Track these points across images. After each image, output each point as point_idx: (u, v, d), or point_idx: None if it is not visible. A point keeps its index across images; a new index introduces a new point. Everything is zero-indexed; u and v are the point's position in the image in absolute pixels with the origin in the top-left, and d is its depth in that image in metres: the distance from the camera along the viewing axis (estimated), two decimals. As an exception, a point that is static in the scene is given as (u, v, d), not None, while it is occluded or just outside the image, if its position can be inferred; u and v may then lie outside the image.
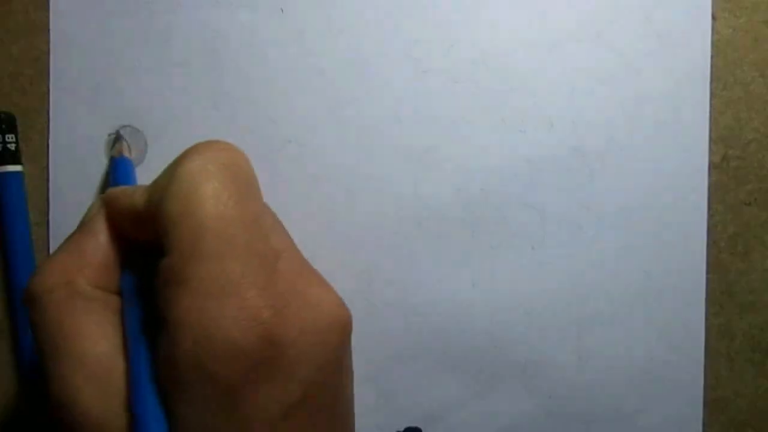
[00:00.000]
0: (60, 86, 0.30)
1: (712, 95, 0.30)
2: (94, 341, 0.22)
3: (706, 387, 0.30)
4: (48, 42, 0.30)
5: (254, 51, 0.30)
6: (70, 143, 0.30)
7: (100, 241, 0.24)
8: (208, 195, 0.21)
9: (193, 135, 0.30)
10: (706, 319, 0.30)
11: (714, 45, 0.30)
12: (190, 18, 0.30)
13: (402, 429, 0.29)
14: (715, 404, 0.30)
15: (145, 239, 0.24)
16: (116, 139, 0.30)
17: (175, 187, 0.21)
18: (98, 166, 0.30)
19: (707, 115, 0.30)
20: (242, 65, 0.30)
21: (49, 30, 0.30)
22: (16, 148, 0.30)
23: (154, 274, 0.22)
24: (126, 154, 0.29)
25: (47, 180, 0.30)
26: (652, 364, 0.30)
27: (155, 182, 0.23)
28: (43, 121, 0.30)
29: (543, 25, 0.30)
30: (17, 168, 0.30)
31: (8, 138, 0.30)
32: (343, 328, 0.23)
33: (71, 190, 0.30)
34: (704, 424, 0.30)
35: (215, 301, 0.20)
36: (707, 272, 0.30)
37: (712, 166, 0.30)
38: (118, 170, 0.29)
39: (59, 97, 0.30)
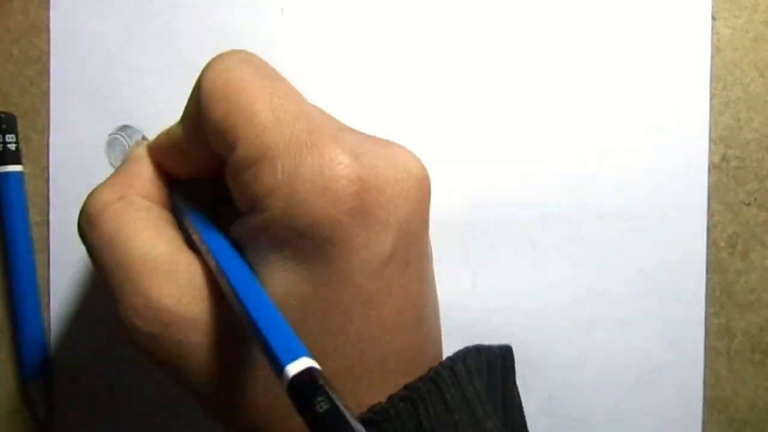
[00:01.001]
0: (60, 86, 0.30)
1: (712, 95, 0.30)
2: (152, 243, 0.22)
3: (706, 387, 0.30)
4: (48, 42, 0.30)
5: (254, 51, 0.30)
6: (70, 143, 0.30)
7: (144, 164, 0.25)
8: (244, 83, 0.21)
9: (193, 135, 0.30)
10: (706, 319, 0.30)
11: (714, 45, 0.30)
12: (190, 18, 0.30)
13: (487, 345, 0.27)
14: (715, 404, 0.30)
15: (189, 168, 0.24)
16: (125, 138, 0.30)
17: (210, 97, 0.21)
18: (98, 166, 0.30)
19: (707, 115, 0.30)
20: (242, 65, 0.30)
21: (49, 30, 0.30)
22: (16, 148, 0.30)
23: (215, 189, 0.22)
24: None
25: (47, 180, 0.30)
26: (652, 364, 0.30)
27: (185, 109, 0.24)
28: (43, 121, 0.30)
29: (542, 25, 0.30)
30: (17, 168, 0.30)
31: (8, 138, 0.30)
32: (422, 183, 0.22)
33: (71, 190, 0.30)
34: (704, 424, 0.30)
35: (296, 158, 0.20)
36: (707, 272, 0.30)
37: (712, 166, 0.30)
38: None
39: (59, 97, 0.30)
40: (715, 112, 0.30)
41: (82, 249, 0.30)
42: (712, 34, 0.30)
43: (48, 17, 0.30)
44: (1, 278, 0.30)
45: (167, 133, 0.25)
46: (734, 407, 0.31)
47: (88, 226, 0.23)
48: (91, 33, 0.30)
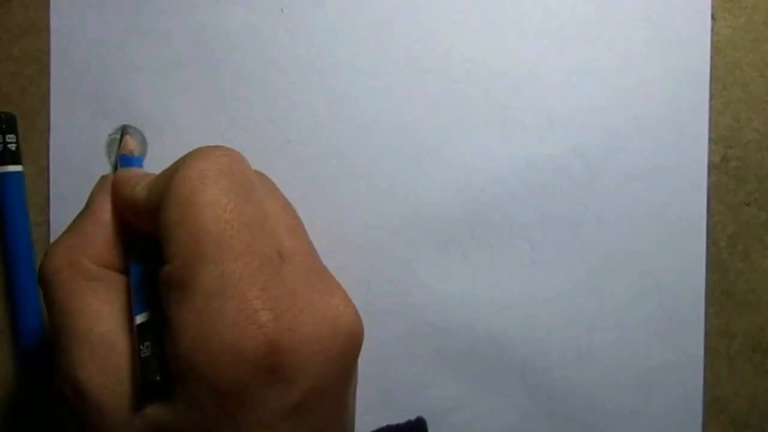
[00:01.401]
0: (60, 86, 0.30)
1: (712, 95, 0.30)
2: (97, 320, 0.23)
3: (706, 387, 0.30)
4: (48, 42, 0.30)
5: (254, 51, 0.30)
6: (70, 143, 0.30)
7: (103, 221, 0.25)
8: (207, 201, 0.21)
9: (193, 135, 0.30)
10: (706, 319, 0.30)
11: (714, 45, 0.30)
12: (190, 18, 0.30)
13: (403, 422, 0.28)
14: (715, 404, 0.30)
15: (145, 230, 0.24)
16: (122, 135, 0.30)
17: (174, 195, 0.21)
18: (98, 166, 0.30)
19: (707, 115, 0.30)
20: (242, 65, 0.30)
21: (49, 30, 0.30)
22: (17, 148, 0.30)
23: (156, 274, 0.22)
24: (133, 150, 0.29)
25: (47, 180, 0.30)
26: (652, 364, 0.30)
27: (156, 180, 0.24)
28: (43, 121, 0.30)
29: (543, 25, 0.30)
30: (17, 168, 0.30)
31: (8, 138, 0.30)
32: (350, 339, 0.22)
33: (71, 190, 0.30)
34: (704, 424, 0.30)
35: (214, 303, 0.20)
36: (707, 272, 0.30)
37: (712, 166, 0.30)
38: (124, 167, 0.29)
39: (59, 97, 0.30)
40: (715, 112, 0.30)
41: (82, 249, 0.30)
42: (712, 34, 0.30)
43: (48, 17, 0.30)
44: (1, 278, 0.30)
45: (131, 190, 0.24)
46: (734, 407, 0.31)
47: (42, 285, 0.24)
48: (91, 33, 0.30)
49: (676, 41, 0.30)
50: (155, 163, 0.30)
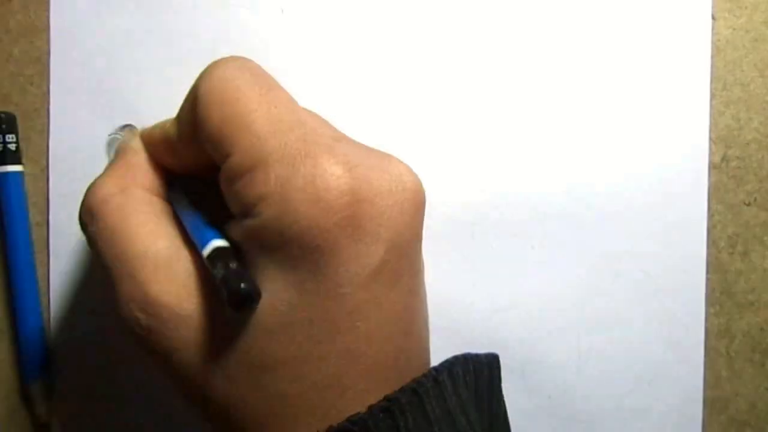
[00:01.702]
0: (60, 86, 0.30)
1: (712, 95, 0.30)
2: (153, 239, 0.23)
3: (706, 387, 0.30)
4: (48, 42, 0.30)
5: (254, 51, 0.30)
6: (70, 143, 0.30)
7: (141, 154, 0.25)
8: (241, 91, 0.21)
9: (193, 135, 0.30)
10: (706, 319, 0.30)
11: (714, 45, 0.30)
12: (190, 18, 0.30)
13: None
14: (714, 404, 0.30)
15: (182, 166, 0.25)
16: (124, 129, 0.30)
17: (207, 102, 0.22)
18: (98, 166, 0.30)
19: (707, 115, 0.30)
20: (242, 65, 0.30)
21: (49, 30, 0.30)
22: (16, 148, 0.30)
23: (212, 182, 0.22)
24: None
25: (47, 180, 0.30)
26: (652, 364, 0.30)
27: (181, 109, 0.24)
28: (43, 121, 0.30)
29: (543, 25, 0.30)
30: (17, 168, 0.30)
31: (8, 138, 0.30)
32: (417, 196, 0.22)
33: (71, 190, 0.30)
34: (704, 424, 0.30)
35: (289, 167, 0.20)
36: (707, 272, 0.30)
37: (712, 166, 0.30)
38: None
39: (59, 97, 0.30)
40: (715, 112, 0.30)
41: (82, 249, 0.30)
42: (713, 34, 0.30)
43: (48, 17, 0.30)
44: (1, 278, 0.30)
45: (162, 130, 0.25)
46: (734, 407, 0.31)
47: (89, 218, 0.24)
48: (91, 33, 0.30)
49: (676, 41, 0.30)
50: (155, 163, 0.30)
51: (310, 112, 0.24)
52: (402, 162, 0.23)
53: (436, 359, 0.30)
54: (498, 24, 0.30)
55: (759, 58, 0.30)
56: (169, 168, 0.25)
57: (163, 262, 0.22)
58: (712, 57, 0.30)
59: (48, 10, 0.30)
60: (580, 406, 0.30)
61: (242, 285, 0.20)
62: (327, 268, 0.20)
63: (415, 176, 0.23)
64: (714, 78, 0.30)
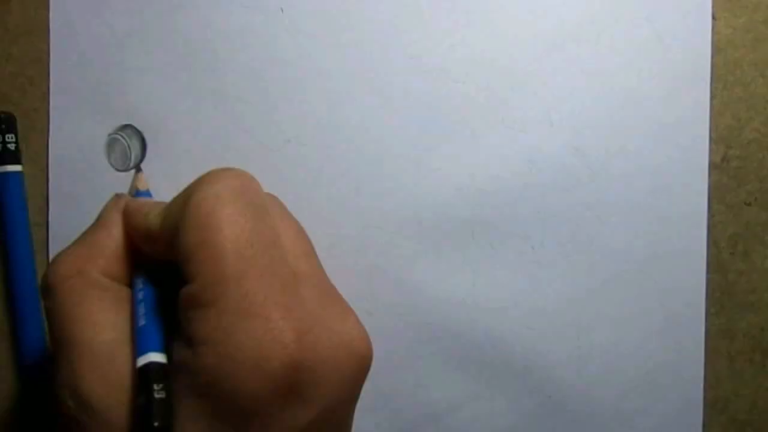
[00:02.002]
0: (60, 86, 0.30)
1: (712, 95, 0.30)
2: (101, 329, 0.23)
3: (706, 387, 0.30)
4: (48, 42, 0.30)
5: (254, 51, 0.30)
6: (70, 143, 0.30)
7: (113, 234, 0.25)
8: (225, 221, 0.22)
9: (192, 135, 0.30)
10: (706, 319, 0.30)
11: (714, 45, 0.30)
12: (190, 18, 0.30)
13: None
14: (715, 404, 0.30)
15: (157, 256, 0.24)
16: (136, 171, 0.30)
17: (191, 217, 0.22)
18: (98, 166, 0.30)
19: (707, 115, 0.30)
20: (242, 65, 0.30)
21: (49, 30, 0.30)
22: (16, 148, 0.30)
23: (174, 294, 0.22)
24: (143, 187, 0.30)
25: (47, 180, 0.30)
26: (652, 364, 0.30)
27: (168, 207, 0.24)
28: (43, 121, 0.30)
29: (543, 25, 0.30)
30: (17, 168, 0.30)
31: (8, 138, 0.30)
32: (362, 361, 0.23)
33: (71, 190, 0.30)
34: (704, 424, 0.30)
35: (240, 321, 0.20)
36: (707, 272, 0.30)
37: (712, 166, 0.30)
38: None
39: (59, 97, 0.30)
40: (716, 112, 0.30)
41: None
42: (713, 34, 0.30)
43: (48, 17, 0.30)
44: (1, 278, 0.30)
45: (145, 219, 0.25)
46: (735, 408, 0.31)
47: (45, 293, 0.24)
48: (91, 33, 0.30)
49: (676, 41, 0.30)
50: (155, 164, 0.30)
51: (292, 236, 0.24)
52: (357, 322, 0.23)
53: (435, 360, 0.30)
54: (497, 23, 0.30)
55: (759, 57, 0.30)
56: (143, 251, 0.25)
57: (104, 356, 0.22)
58: (713, 57, 0.30)
59: (48, 10, 0.30)
60: (580, 406, 0.30)
61: (155, 423, 0.20)
62: (252, 427, 0.20)
63: (366, 340, 0.23)
64: (714, 78, 0.30)
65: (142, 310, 0.23)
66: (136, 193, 0.29)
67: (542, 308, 0.30)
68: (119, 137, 0.30)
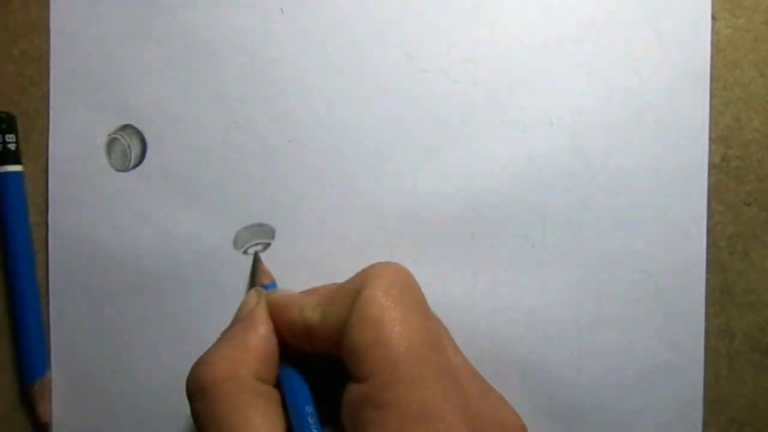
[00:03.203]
0: (60, 86, 0.30)
1: (712, 95, 0.30)
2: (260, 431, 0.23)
3: (706, 387, 0.30)
4: (48, 42, 0.30)
5: (254, 51, 0.30)
6: (70, 143, 0.30)
7: (261, 333, 0.25)
8: (399, 320, 0.22)
9: (192, 135, 0.30)
10: (706, 319, 0.30)
11: (714, 45, 0.30)
12: (190, 18, 0.30)
13: None
14: (715, 404, 0.30)
15: (313, 352, 0.25)
16: (255, 262, 0.30)
17: (363, 314, 0.22)
18: (98, 166, 0.30)
19: (707, 115, 0.30)
20: (242, 65, 0.30)
21: (49, 30, 0.30)
22: (16, 148, 0.30)
23: (342, 396, 0.22)
24: (269, 280, 0.29)
25: (47, 180, 0.30)
26: (652, 364, 0.30)
27: (331, 301, 0.24)
28: (43, 121, 0.30)
29: (543, 25, 0.30)
30: (17, 168, 0.30)
31: (8, 138, 0.30)
32: None
33: (71, 190, 0.30)
34: (704, 424, 0.30)
35: (423, 426, 0.21)
36: (707, 272, 0.30)
37: (712, 166, 0.30)
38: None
39: (59, 97, 0.30)
40: (716, 112, 0.30)
41: (82, 249, 0.30)
42: (713, 34, 0.30)
43: (48, 17, 0.30)
44: (1, 278, 0.30)
45: (301, 315, 0.25)
46: (734, 407, 0.31)
47: (198, 395, 0.24)
48: (91, 33, 0.30)
49: (676, 41, 0.30)
50: (155, 164, 0.30)
51: (443, 327, 0.25)
52: (511, 409, 0.24)
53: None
54: (497, 23, 0.30)
55: (759, 58, 0.30)
56: (294, 346, 0.25)
57: None
58: (712, 57, 0.30)
59: (48, 10, 0.30)
60: (580, 406, 0.30)
61: None
62: None
63: (521, 423, 0.24)
64: (714, 78, 0.30)
65: (296, 411, 0.24)
66: (264, 287, 0.29)
67: (542, 308, 0.30)
68: (119, 137, 0.30)
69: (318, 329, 0.24)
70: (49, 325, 0.30)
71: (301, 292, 0.28)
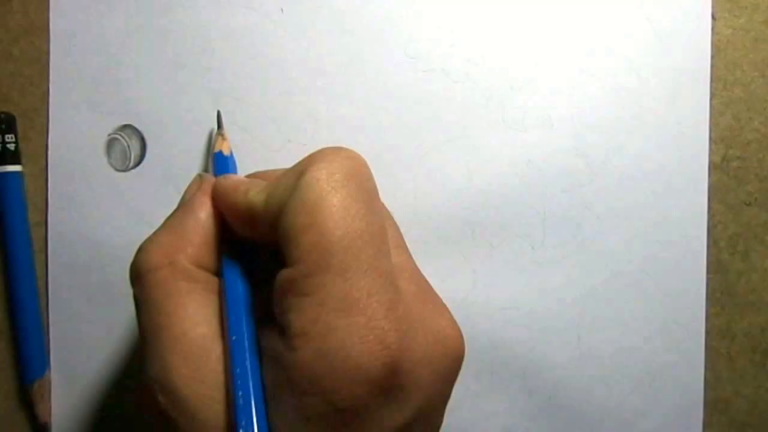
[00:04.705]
0: (60, 86, 0.30)
1: (712, 95, 0.30)
2: (194, 323, 0.22)
3: (706, 387, 0.30)
4: (48, 42, 0.30)
5: (254, 51, 0.30)
6: (70, 143, 0.30)
7: (200, 218, 0.24)
8: (337, 206, 0.21)
9: (192, 135, 0.30)
10: (706, 319, 0.30)
11: (714, 45, 0.30)
12: (190, 18, 0.30)
13: None
14: (715, 404, 0.30)
15: (255, 238, 0.23)
16: (214, 132, 0.28)
17: (302, 197, 0.21)
18: (98, 166, 0.30)
19: (707, 115, 0.30)
20: (242, 65, 0.30)
21: (49, 30, 0.30)
22: (16, 148, 0.30)
23: (270, 279, 0.21)
24: (227, 151, 0.28)
25: (47, 180, 0.30)
26: (652, 364, 0.30)
27: (275, 185, 0.23)
28: (43, 121, 0.30)
29: (543, 25, 0.30)
30: (17, 168, 0.30)
31: (8, 138, 0.30)
32: (456, 361, 0.22)
33: (71, 190, 0.30)
34: (704, 424, 0.30)
35: (342, 318, 0.20)
36: (707, 272, 0.30)
37: (712, 166, 0.30)
38: (218, 167, 0.28)
39: (59, 97, 0.30)
40: (716, 112, 0.30)
41: (81, 249, 0.30)
42: (713, 34, 0.30)
43: (48, 17, 0.30)
44: (1, 278, 0.30)
45: (245, 197, 0.23)
46: (735, 408, 0.31)
47: (135, 281, 0.23)
48: (91, 33, 0.30)
49: (676, 41, 0.30)
50: (155, 164, 0.30)
51: (391, 223, 0.23)
52: (451, 319, 0.23)
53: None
54: (497, 23, 0.30)
55: (759, 57, 0.30)
56: (237, 232, 0.24)
57: (196, 351, 0.22)
58: (712, 57, 0.30)
59: (48, 10, 0.30)
60: (580, 406, 0.30)
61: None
62: (349, 427, 0.20)
63: (460, 338, 0.22)
64: (714, 78, 0.30)
65: (234, 305, 0.23)
66: (217, 156, 0.28)
67: (542, 308, 0.30)
68: (119, 137, 0.30)
69: (261, 213, 0.23)
70: (48, 325, 0.30)
71: (248, 175, 0.26)
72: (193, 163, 0.30)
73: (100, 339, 0.30)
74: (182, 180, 0.30)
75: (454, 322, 0.23)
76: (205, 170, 0.30)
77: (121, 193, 0.30)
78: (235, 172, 0.28)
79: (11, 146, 0.30)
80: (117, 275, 0.30)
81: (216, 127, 0.30)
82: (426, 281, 0.24)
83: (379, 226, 0.21)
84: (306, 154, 0.30)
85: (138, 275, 0.23)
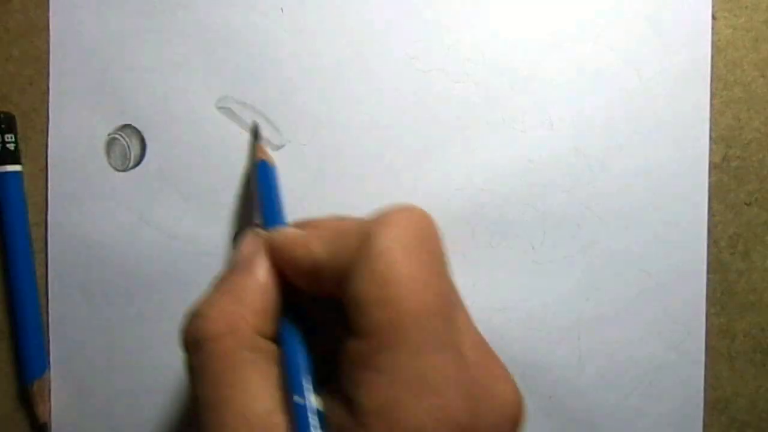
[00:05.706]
0: (60, 86, 0.30)
1: (712, 95, 0.30)
2: (257, 396, 0.21)
3: (706, 387, 0.30)
4: (48, 42, 0.30)
5: (254, 51, 0.30)
6: (70, 143, 0.30)
7: (259, 279, 0.23)
8: (408, 278, 0.20)
9: (192, 135, 0.30)
10: (707, 319, 0.30)
11: (714, 45, 0.30)
12: (190, 18, 0.30)
13: None
14: (715, 404, 0.30)
15: (317, 294, 0.23)
16: (254, 138, 0.28)
17: (371, 266, 0.20)
18: (97, 166, 0.30)
19: (707, 115, 0.30)
20: (242, 65, 0.30)
21: (49, 30, 0.30)
22: (16, 148, 0.30)
23: (339, 350, 0.21)
24: (266, 158, 0.28)
25: (47, 180, 0.30)
26: (652, 364, 0.30)
27: (338, 241, 0.22)
28: (43, 121, 0.30)
29: (543, 25, 0.30)
30: (17, 168, 0.30)
31: (8, 138, 0.30)
32: (518, 425, 0.22)
33: (71, 190, 0.30)
34: (704, 424, 0.30)
35: (416, 398, 0.19)
36: (707, 272, 0.30)
37: (713, 166, 0.30)
38: (262, 177, 0.27)
39: (59, 97, 0.30)
40: (716, 112, 0.30)
41: (81, 249, 0.30)
42: (713, 33, 0.30)
43: (48, 17, 0.30)
44: (0, 278, 0.30)
45: (307, 252, 0.22)
46: (735, 408, 0.31)
47: (193, 348, 0.22)
48: (91, 33, 0.30)
49: (676, 41, 0.30)
50: (155, 164, 0.30)
51: (459, 304, 0.23)
52: (514, 384, 0.22)
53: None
54: (497, 23, 0.30)
55: (759, 57, 0.30)
56: (298, 285, 0.23)
57: (261, 426, 0.21)
58: (713, 57, 0.30)
59: (48, 10, 0.30)
60: (580, 407, 0.30)
61: None
62: None
63: (522, 404, 0.22)
64: (714, 78, 0.30)
65: (294, 372, 0.22)
66: (261, 164, 0.27)
67: (542, 308, 0.30)
68: (119, 137, 0.30)
69: (326, 270, 0.22)
70: (48, 325, 0.30)
71: (295, 223, 0.25)
72: (193, 163, 0.30)
73: (100, 339, 0.30)
74: (182, 180, 0.30)
75: (514, 384, 0.22)
76: (247, 179, 0.29)
77: (121, 193, 0.30)
78: (277, 182, 0.28)
79: (11, 146, 0.30)
80: (117, 275, 0.30)
81: (253, 138, 0.29)
82: (484, 340, 0.23)
83: (447, 296, 0.21)
84: (306, 154, 0.30)
85: (196, 343, 0.22)
